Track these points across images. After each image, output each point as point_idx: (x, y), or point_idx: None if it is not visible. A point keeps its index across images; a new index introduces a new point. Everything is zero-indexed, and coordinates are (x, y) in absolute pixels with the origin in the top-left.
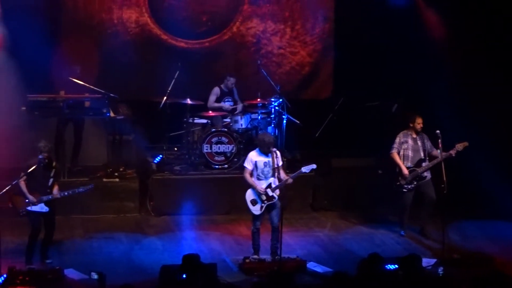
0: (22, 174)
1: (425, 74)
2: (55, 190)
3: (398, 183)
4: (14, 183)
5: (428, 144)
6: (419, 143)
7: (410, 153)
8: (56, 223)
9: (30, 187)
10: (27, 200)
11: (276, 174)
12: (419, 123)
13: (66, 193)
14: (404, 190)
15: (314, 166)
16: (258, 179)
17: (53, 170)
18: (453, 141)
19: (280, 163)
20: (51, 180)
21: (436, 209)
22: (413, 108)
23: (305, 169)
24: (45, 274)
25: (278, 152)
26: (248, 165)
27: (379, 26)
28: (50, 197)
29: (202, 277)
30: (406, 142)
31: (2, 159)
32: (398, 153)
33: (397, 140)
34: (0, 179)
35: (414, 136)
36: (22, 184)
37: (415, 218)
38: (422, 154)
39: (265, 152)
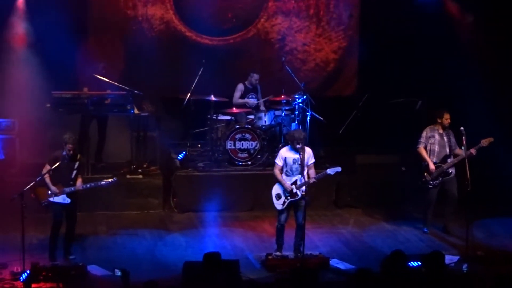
0: (47, 168)
1: (450, 70)
2: (79, 182)
3: (424, 179)
4: (39, 178)
5: (453, 140)
6: (445, 139)
7: (436, 148)
8: (77, 217)
9: (54, 178)
10: (49, 192)
11: (304, 172)
12: (446, 118)
13: (88, 186)
14: (429, 186)
15: (339, 169)
16: (287, 175)
17: (77, 163)
18: (478, 137)
19: (311, 161)
20: (74, 172)
21: (460, 206)
22: (438, 104)
23: (330, 171)
24: (69, 270)
25: (309, 150)
26: (279, 161)
27: (404, 22)
28: (72, 188)
29: (223, 275)
30: (433, 137)
31: (27, 155)
32: (425, 148)
33: (424, 134)
34: (25, 175)
35: (441, 131)
36: (47, 175)
37: (439, 216)
38: (447, 150)
39: (294, 148)
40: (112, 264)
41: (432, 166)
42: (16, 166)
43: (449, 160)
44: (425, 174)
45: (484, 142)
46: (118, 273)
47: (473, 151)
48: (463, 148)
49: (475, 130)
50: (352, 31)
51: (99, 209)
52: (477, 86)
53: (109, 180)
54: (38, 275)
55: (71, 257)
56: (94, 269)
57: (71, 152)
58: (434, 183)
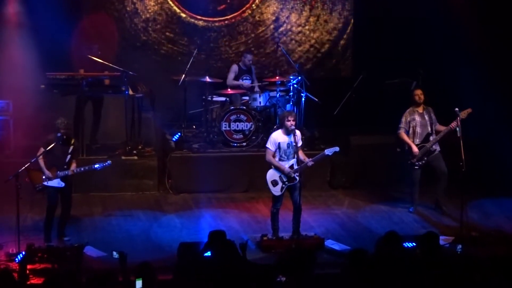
0: (41, 150)
1: (446, 50)
2: (73, 166)
3: (409, 162)
4: (33, 160)
5: (434, 117)
6: (426, 117)
7: (418, 129)
8: (72, 200)
9: (48, 162)
10: (43, 176)
11: (299, 154)
12: (416, 94)
13: (82, 169)
14: (416, 167)
15: (337, 149)
16: (281, 160)
17: (71, 147)
18: (473, 117)
19: (300, 144)
20: (68, 156)
21: (455, 187)
22: (432, 85)
23: (328, 151)
24: (64, 251)
25: (298, 132)
26: (271, 146)
27: (400, 2)
28: (66, 172)
29: (229, 254)
30: (414, 119)
31: (22, 136)
32: (407, 132)
33: (403, 119)
34: (19, 157)
35: (421, 111)
36: (40, 159)
37: (431, 193)
38: (429, 128)
39: (288, 129)
40: (107, 245)
41: (415, 149)
42: (11, 147)
43: (431, 138)
44: (410, 156)
45: (463, 114)
46: (115, 255)
47: (453, 124)
48: (457, 129)
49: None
50: (346, 13)
51: (94, 190)
52: (471, 66)
53: (104, 163)
54: (33, 256)
55: (65, 238)
56: (90, 250)
57: (64, 137)
58: (420, 163)
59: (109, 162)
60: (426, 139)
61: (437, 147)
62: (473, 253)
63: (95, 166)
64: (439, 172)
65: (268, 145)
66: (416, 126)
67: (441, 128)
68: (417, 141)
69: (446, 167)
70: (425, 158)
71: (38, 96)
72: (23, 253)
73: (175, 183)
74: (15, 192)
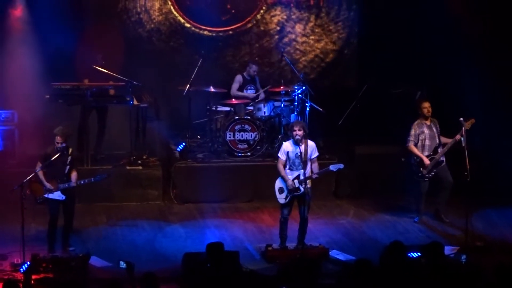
0: (40, 164)
1: (450, 60)
2: (73, 177)
3: (420, 174)
4: (34, 173)
5: (439, 129)
6: (434, 129)
7: (427, 142)
8: (74, 211)
9: (48, 174)
10: (44, 188)
11: (308, 165)
12: (425, 107)
13: (81, 182)
14: (426, 179)
15: (341, 165)
16: (290, 169)
17: (69, 157)
18: (478, 128)
19: (315, 155)
20: (67, 167)
21: (460, 197)
22: (437, 95)
23: (332, 167)
24: (69, 261)
25: (312, 143)
26: (282, 155)
27: (404, 13)
28: (66, 185)
29: (226, 265)
30: (423, 132)
31: (27, 146)
32: (416, 145)
33: (413, 132)
34: (24, 166)
35: (428, 123)
36: (40, 172)
37: (431, 202)
38: (437, 140)
39: (295, 140)
40: (112, 255)
41: (427, 162)
42: (16, 157)
43: (439, 150)
44: (421, 169)
45: (467, 125)
46: (122, 265)
47: (458, 137)
48: (462, 138)
49: (476, 119)
50: (351, 22)
51: (99, 200)
52: (476, 75)
53: (102, 175)
54: (38, 266)
55: (70, 248)
56: (94, 261)
57: (60, 144)
58: (430, 175)
59: (105, 175)
60: (435, 151)
61: (443, 159)
62: (477, 262)
63: (95, 178)
64: (445, 182)
65: (279, 154)
66: (426, 139)
67: (446, 140)
68: (426, 153)
69: (452, 177)
70: (435, 170)
71: (43, 106)
72: (28, 263)
73: (180, 193)
74: (20, 202)
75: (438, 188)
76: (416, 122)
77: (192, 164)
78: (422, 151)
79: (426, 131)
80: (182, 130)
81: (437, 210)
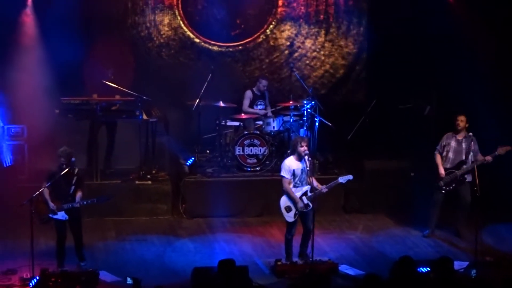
0: (45, 183)
1: (460, 75)
2: (77, 197)
3: (437, 184)
4: (37, 193)
5: (475, 147)
6: (464, 145)
7: (451, 155)
8: (82, 228)
9: (53, 194)
10: (49, 208)
11: (311, 180)
12: (457, 120)
13: (84, 202)
14: (442, 191)
15: (350, 177)
16: (295, 186)
17: (75, 178)
18: (489, 142)
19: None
20: (72, 187)
21: (470, 212)
22: (447, 110)
23: (341, 179)
24: (79, 276)
25: (309, 158)
26: (287, 174)
27: (413, 28)
28: (70, 205)
29: (236, 280)
30: (449, 144)
31: (36, 161)
32: (441, 154)
33: (440, 142)
34: (34, 181)
35: (460, 138)
36: (46, 191)
37: (450, 220)
38: (464, 157)
39: (300, 155)
40: (121, 270)
41: (441, 171)
42: (25, 172)
43: (464, 167)
44: (438, 179)
45: (501, 150)
46: (129, 281)
47: (488, 158)
48: (471, 154)
49: (486, 135)
50: (361, 38)
51: (108, 214)
52: (487, 91)
53: (105, 197)
54: (47, 281)
55: (82, 263)
56: (104, 275)
57: (64, 166)
58: (447, 188)
59: (110, 197)
60: (457, 166)
61: (468, 177)
62: (487, 277)
63: (98, 199)
64: (462, 201)
65: (283, 173)
66: (450, 151)
67: (481, 158)
68: (448, 165)
69: (471, 197)
70: (453, 185)
71: (53, 121)
72: (37, 278)
73: (189, 207)
74: (29, 216)
75: (456, 206)
76: (447, 133)
77: (202, 179)
78: (444, 162)
79: (453, 144)
80: (191, 145)
81: (457, 230)
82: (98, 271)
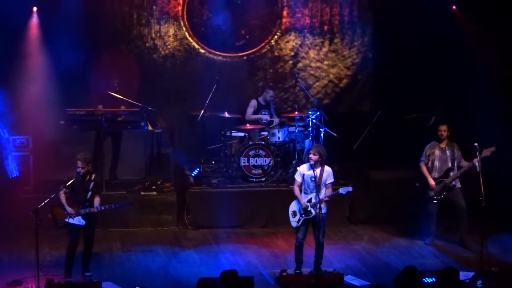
0: (62, 186)
1: (464, 85)
2: (96, 202)
3: (427, 195)
4: (53, 195)
5: (458, 153)
6: (448, 152)
7: (437, 163)
8: (94, 237)
9: (70, 199)
10: (65, 212)
11: (322, 190)
12: (440, 130)
13: (103, 208)
14: (434, 201)
15: (350, 189)
16: (305, 192)
17: (92, 183)
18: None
19: (330, 181)
20: (89, 193)
21: (475, 222)
22: (452, 120)
23: (342, 190)
24: (83, 287)
25: (329, 169)
26: (298, 177)
27: (417, 38)
28: (88, 210)
29: None
30: (433, 153)
31: (42, 172)
32: (427, 165)
33: (424, 152)
34: (39, 192)
35: (443, 146)
36: (62, 196)
37: (453, 229)
38: (449, 164)
39: (312, 164)
40: (127, 281)
41: (431, 182)
42: (31, 183)
43: (451, 174)
44: (428, 190)
45: (486, 152)
46: None
47: (476, 160)
48: (477, 164)
49: (490, 144)
50: (365, 48)
51: (114, 225)
52: (490, 101)
53: (125, 203)
54: None
55: (87, 274)
56: (109, 286)
57: (82, 170)
58: (439, 198)
59: (129, 202)
60: (445, 174)
61: (457, 183)
62: None
63: (116, 205)
64: (457, 208)
65: (296, 175)
66: (435, 160)
67: (465, 164)
68: (435, 175)
69: (465, 202)
70: (444, 193)
71: (58, 132)
72: None
73: (194, 218)
74: (35, 227)
75: (455, 215)
76: (430, 144)
77: (207, 190)
78: (431, 172)
79: (437, 153)
80: (196, 156)
81: (461, 239)
82: (101, 282)
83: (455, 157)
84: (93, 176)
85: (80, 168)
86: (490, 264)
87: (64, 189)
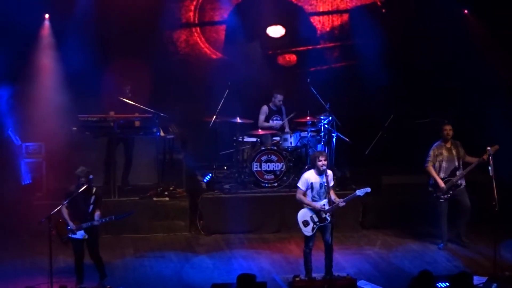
0: (63, 202)
1: (476, 89)
2: (96, 216)
3: (435, 195)
4: (55, 211)
5: (462, 150)
6: (454, 152)
7: (444, 164)
8: (99, 247)
9: (72, 213)
10: (68, 227)
11: (329, 195)
12: (445, 129)
13: (103, 220)
14: (441, 200)
15: (368, 189)
16: (313, 200)
17: (93, 197)
18: (505, 157)
19: (331, 184)
20: (91, 206)
21: (488, 226)
22: (464, 124)
23: (359, 192)
24: None
25: (330, 172)
26: (302, 185)
27: (429, 42)
28: (89, 224)
29: None
30: (441, 154)
31: (54, 178)
32: (433, 166)
33: (431, 153)
34: (52, 199)
35: (448, 146)
36: (64, 211)
37: (452, 226)
38: (456, 163)
39: (319, 170)
40: (140, 287)
41: (441, 184)
42: (43, 189)
43: (458, 173)
44: (436, 190)
45: (491, 150)
46: None
47: (485, 156)
48: (490, 168)
49: (503, 147)
50: (378, 52)
51: (126, 232)
52: (502, 104)
53: (126, 213)
54: None
55: (102, 280)
56: None
57: (84, 185)
58: (445, 196)
59: (132, 212)
60: (452, 174)
61: (463, 182)
62: None
63: (117, 216)
64: (463, 206)
65: (299, 184)
66: (443, 161)
67: (471, 159)
68: (443, 175)
69: (470, 202)
70: (451, 192)
71: (70, 138)
72: None
73: (207, 224)
74: (48, 233)
75: (457, 212)
76: (436, 144)
77: (219, 195)
78: (439, 172)
79: (444, 153)
80: (208, 161)
81: (458, 234)
82: None
83: (460, 155)
84: (94, 189)
85: (82, 183)
86: (503, 268)
87: (66, 204)
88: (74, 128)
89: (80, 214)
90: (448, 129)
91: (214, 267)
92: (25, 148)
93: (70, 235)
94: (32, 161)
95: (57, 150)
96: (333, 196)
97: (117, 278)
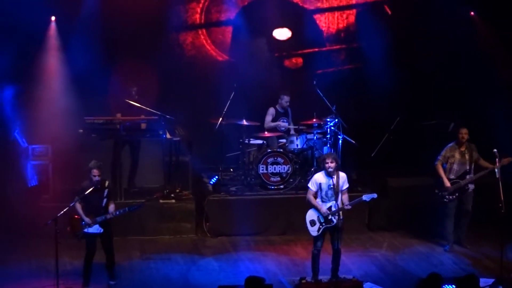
0: (77, 197)
1: (482, 91)
2: (111, 208)
3: (440, 194)
4: (69, 206)
5: (476, 155)
6: (467, 156)
7: (455, 166)
8: (113, 242)
9: (86, 208)
10: (83, 223)
11: (339, 197)
12: (461, 133)
13: (117, 213)
14: (445, 200)
15: (375, 195)
16: (322, 201)
17: (106, 190)
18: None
19: (345, 186)
20: (104, 200)
21: (495, 228)
22: (471, 126)
23: (365, 197)
24: None
25: (344, 175)
26: (312, 186)
27: (434, 44)
28: (104, 217)
29: None
30: (453, 156)
31: (61, 181)
32: (444, 166)
33: (443, 153)
34: (58, 201)
35: (463, 149)
36: (78, 206)
37: (474, 238)
38: (467, 167)
39: (327, 171)
40: None
41: (447, 184)
42: (50, 191)
43: (468, 177)
44: (442, 190)
45: (504, 161)
46: None
47: (497, 165)
48: (496, 170)
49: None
50: (384, 55)
51: (132, 233)
52: (508, 107)
53: (138, 204)
54: None
55: (111, 282)
56: None
57: (97, 177)
58: (450, 197)
59: (141, 204)
60: (462, 176)
61: (471, 187)
62: None
63: (130, 208)
64: (464, 210)
65: (310, 184)
66: (454, 163)
67: (485, 164)
68: (452, 176)
69: (476, 204)
70: (457, 194)
71: (77, 140)
72: None
73: (213, 226)
74: (54, 236)
75: (457, 214)
76: (450, 145)
77: (225, 197)
78: (449, 173)
79: (457, 156)
80: (214, 163)
81: (459, 237)
82: None
83: (473, 159)
84: (106, 183)
85: (97, 177)
86: (510, 270)
87: (80, 200)
88: (81, 130)
89: (93, 209)
90: (463, 132)
91: (220, 269)
92: (31, 150)
93: (85, 230)
94: (38, 163)
95: (64, 152)
96: (345, 199)
97: (123, 280)
